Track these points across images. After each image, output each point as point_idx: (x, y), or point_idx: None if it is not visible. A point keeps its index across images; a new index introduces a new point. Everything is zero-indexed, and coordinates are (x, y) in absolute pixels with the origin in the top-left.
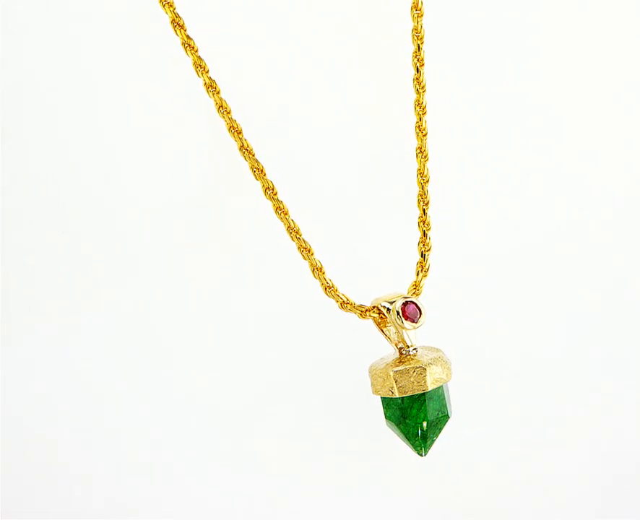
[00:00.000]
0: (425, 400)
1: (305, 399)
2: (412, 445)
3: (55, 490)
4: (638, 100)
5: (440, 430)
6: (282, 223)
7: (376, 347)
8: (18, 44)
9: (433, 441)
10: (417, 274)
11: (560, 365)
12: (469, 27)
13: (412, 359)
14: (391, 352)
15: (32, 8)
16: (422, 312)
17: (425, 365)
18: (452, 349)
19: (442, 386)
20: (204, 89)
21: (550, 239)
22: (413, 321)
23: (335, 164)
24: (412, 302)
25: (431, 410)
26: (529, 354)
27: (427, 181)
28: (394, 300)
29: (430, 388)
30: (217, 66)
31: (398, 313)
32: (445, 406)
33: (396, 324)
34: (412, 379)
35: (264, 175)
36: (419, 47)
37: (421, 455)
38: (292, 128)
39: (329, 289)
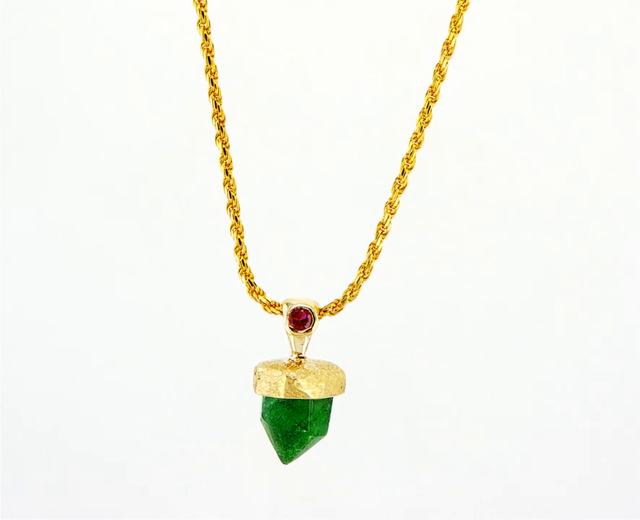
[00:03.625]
0: (282, 407)
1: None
2: (274, 447)
3: (55, 490)
4: None
5: (302, 444)
6: (226, 199)
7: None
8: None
9: (295, 452)
10: (344, 294)
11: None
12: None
13: (290, 365)
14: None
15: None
16: (313, 324)
17: (288, 374)
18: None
19: (312, 400)
20: (200, 50)
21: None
22: (297, 328)
23: (330, 163)
24: (307, 310)
25: (289, 420)
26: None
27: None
28: (294, 303)
29: (282, 397)
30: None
31: (287, 315)
32: (309, 422)
33: (284, 326)
34: (269, 382)
35: (227, 146)
36: (459, 11)
37: (282, 462)
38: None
39: (241, 271)
